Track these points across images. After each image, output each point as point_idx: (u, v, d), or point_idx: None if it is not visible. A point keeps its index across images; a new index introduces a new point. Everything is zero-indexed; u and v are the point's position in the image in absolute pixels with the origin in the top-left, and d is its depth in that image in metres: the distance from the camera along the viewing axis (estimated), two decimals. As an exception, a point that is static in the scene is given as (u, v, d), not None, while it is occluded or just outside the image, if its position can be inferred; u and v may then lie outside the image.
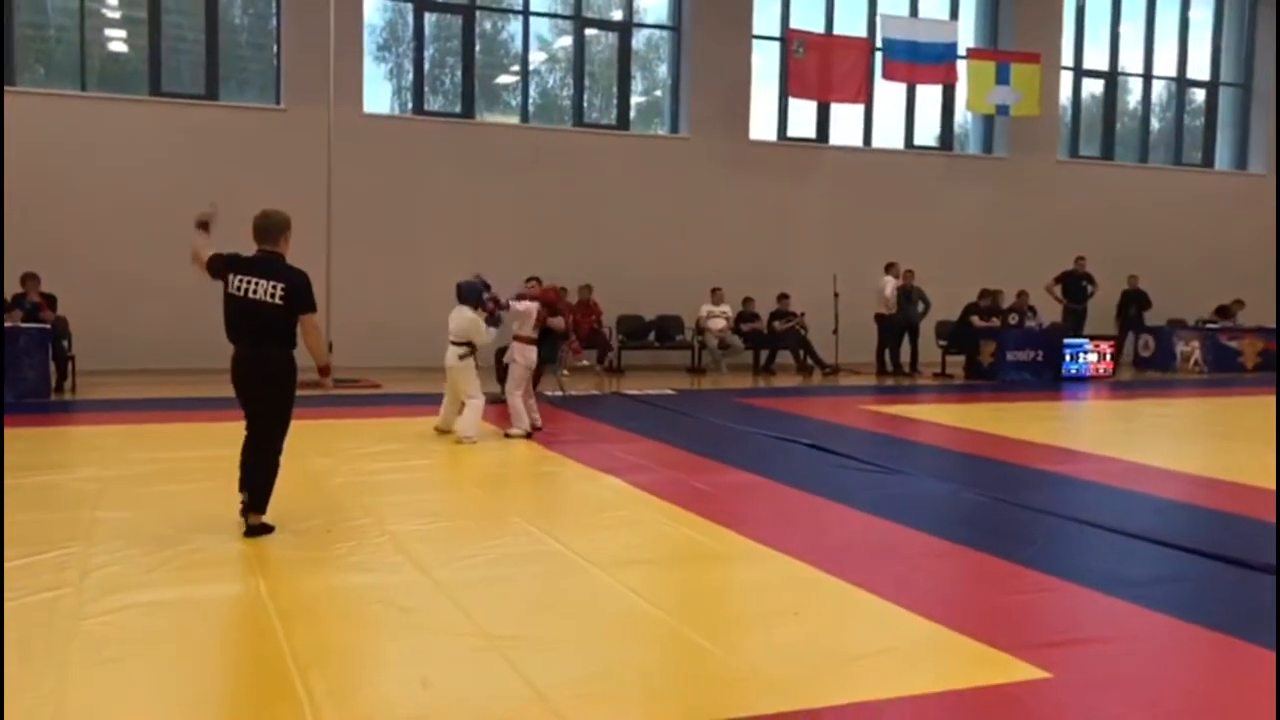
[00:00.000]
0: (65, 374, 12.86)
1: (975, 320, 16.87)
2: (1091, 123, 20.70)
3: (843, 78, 17.56)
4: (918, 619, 4.92)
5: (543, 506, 7.49)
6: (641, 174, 17.13)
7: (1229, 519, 7.24)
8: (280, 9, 15.48)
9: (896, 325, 16.80)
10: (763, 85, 18.18)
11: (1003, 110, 18.67)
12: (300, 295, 6.12)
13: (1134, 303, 18.94)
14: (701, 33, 17.41)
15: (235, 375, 6.24)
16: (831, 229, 18.02)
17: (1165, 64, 20.98)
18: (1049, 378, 16.45)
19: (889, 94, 18.74)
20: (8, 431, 9.85)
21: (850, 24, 18.51)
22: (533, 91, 17.43)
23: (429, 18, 16.57)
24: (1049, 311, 18.09)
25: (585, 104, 17.55)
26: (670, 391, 13.95)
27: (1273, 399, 12.99)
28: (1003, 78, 18.37)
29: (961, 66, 18.35)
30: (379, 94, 16.47)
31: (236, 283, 6.11)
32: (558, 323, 12.35)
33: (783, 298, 16.88)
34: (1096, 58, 20.48)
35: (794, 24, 17.96)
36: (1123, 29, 20.58)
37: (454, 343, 9.63)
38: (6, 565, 5.41)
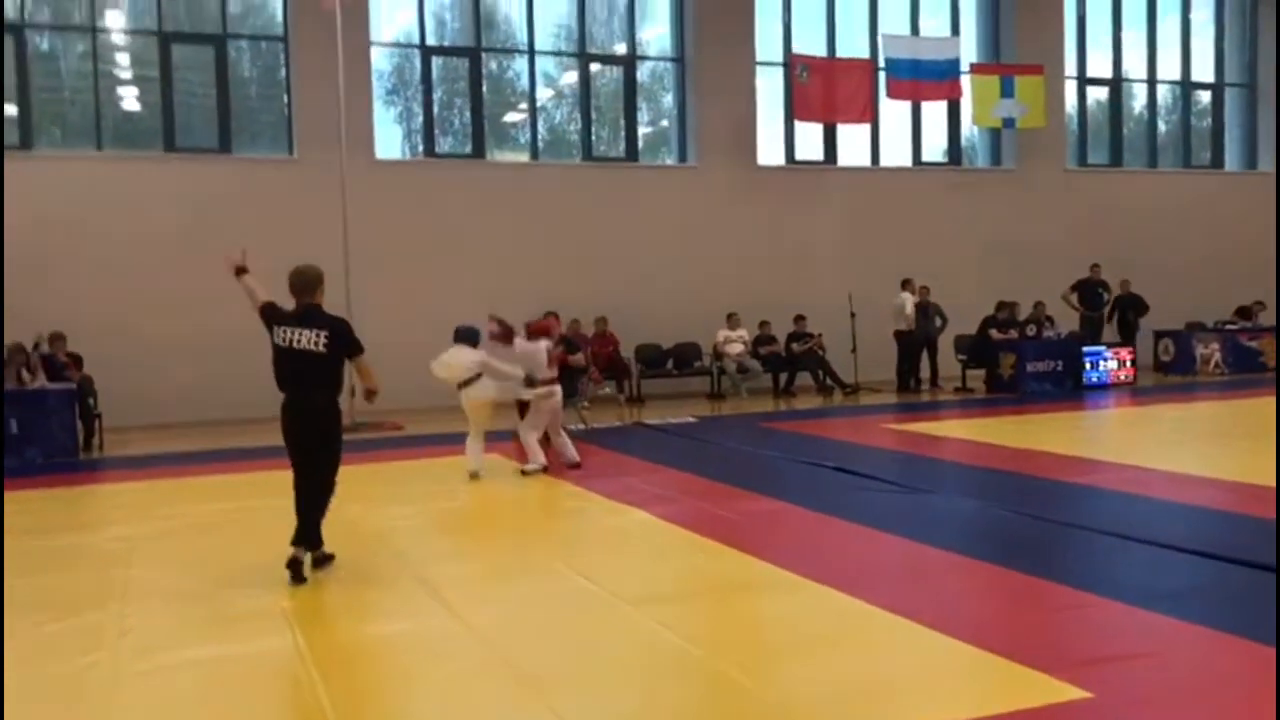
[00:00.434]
0: (93, 432, 12.98)
1: (993, 333, 16.84)
2: (1098, 130, 20.70)
3: (847, 99, 17.64)
4: (953, 642, 4.90)
5: (571, 544, 7.50)
6: (652, 204, 17.22)
7: (1260, 524, 7.15)
8: (289, 60, 15.68)
9: (915, 341, 16.79)
10: (768, 110, 18.27)
11: (1009, 123, 18.70)
12: (344, 340, 6.52)
13: (1129, 308, 18.67)
14: (705, 62, 17.53)
15: (285, 420, 6.51)
16: (844, 249, 18.04)
17: (1169, 68, 20.98)
18: (1070, 387, 16.39)
19: (895, 112, 18.81)
20: (39, 492, 9.97)
21: (852, 46, 18.60)
22: (541, 128, 17.57)
23: (435, 61, 16.74)
24: (1067, 321, 18.04)
25: (593, 138, 17.68)
26: (692, 419, 13.96)
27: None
28: (1007, 91, 18.41)
29: (965, 82, 18.41)
30: (389, 138, 16.63)
31: (282, 334, 6.48)
32: (578, 360, 12.43)
33: (799, 319, 16.89)
34: (1100, 65, 20.51)
35: (796, 49, 18.07)
36: (1124, 35, 20.61)
37: (466, 382, 9.59)
38: (43, 629, 5.48)
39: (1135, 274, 18.79)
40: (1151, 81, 20.91)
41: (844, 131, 18.57)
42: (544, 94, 17.63)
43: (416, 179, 16.20)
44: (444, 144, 16.91)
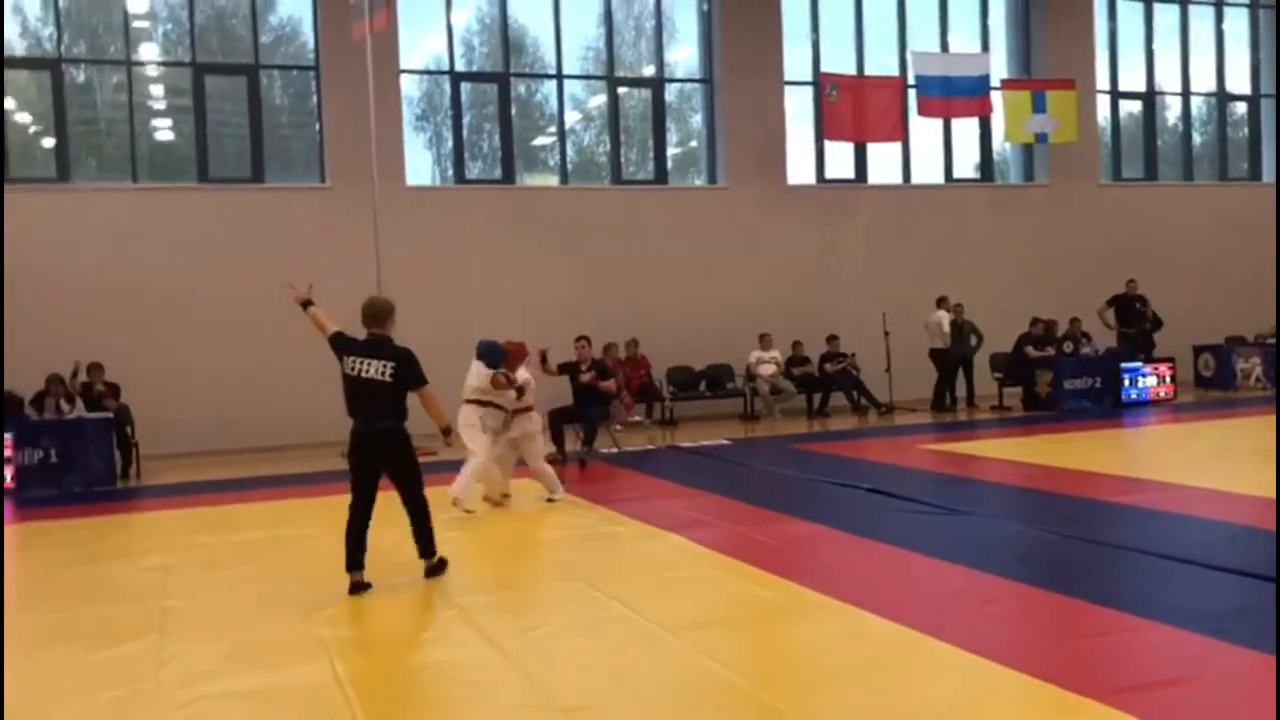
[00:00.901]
0: (130, 460, 13.08)
1: (1030, 350, 16.69)
2: (1132, 144, 20.53)
3: (878, 117, 17.59)
4: (999, 667, 4.82)
5: (606, 569, 7.45)
6: (682, 225, 17.21)
7: (1309, 543, 7.03)
8: (321, 89, 15.82)
9: (951, 360, 16.66)
10: (798, 129, 18.25)
11: (1041, 138, 18.58)
12: (409, 371, 6.76)
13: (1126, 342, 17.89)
14: (734, 83, 17.54)
15: (353, 446, 6.83)
16: (877, 267, 17.96)
17: (1203, 79, 20.80)
18: (1109, 405, 16.19)
19: (926, 129, 18.73)
20: (77, 521, 10.06)
21: (881, 64, 18.56)
22: (570, 151, 17.63)
23: (465, 86, 16.84)
24: (1103, 337, 17.84)
25: (622, 160, 17.71)
26: (725, 441, 13.90)
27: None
28: (1039, 106, 18.30)
29: (997, 97, 18.32)
30: (419, 164, 16.72)
31: (350, 364, 6.78)
32: (609, 386, 12.42)
33: (832, 339, 16.81)
34: (1132, 78, 20.35)
35: (825, 68, 18.04)
36: (1157, 47, 20.46)
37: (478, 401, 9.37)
38: (83, 660, 5.51)
39: (1172, 288, 18.56)
40: (1186, 94, 20.72)
41: (874, 149, 18.50)
42: (572, 117, 17.70)
43: (447, 204, 16.28)
44: (473, 169, 16.98)
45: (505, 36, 16.91)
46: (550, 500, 9.72)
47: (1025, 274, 18.48)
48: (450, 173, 16.88)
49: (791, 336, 16.79)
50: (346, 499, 6.81)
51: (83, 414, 12.54)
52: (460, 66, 16.77)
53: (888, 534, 7.83)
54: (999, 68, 19.05)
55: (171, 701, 4.87)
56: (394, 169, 15.43)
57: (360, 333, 6.93)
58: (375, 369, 6.69)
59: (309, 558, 7.92)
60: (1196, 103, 20.91)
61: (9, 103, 14.86)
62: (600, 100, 17.69)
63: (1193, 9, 20.55)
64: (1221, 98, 20.94)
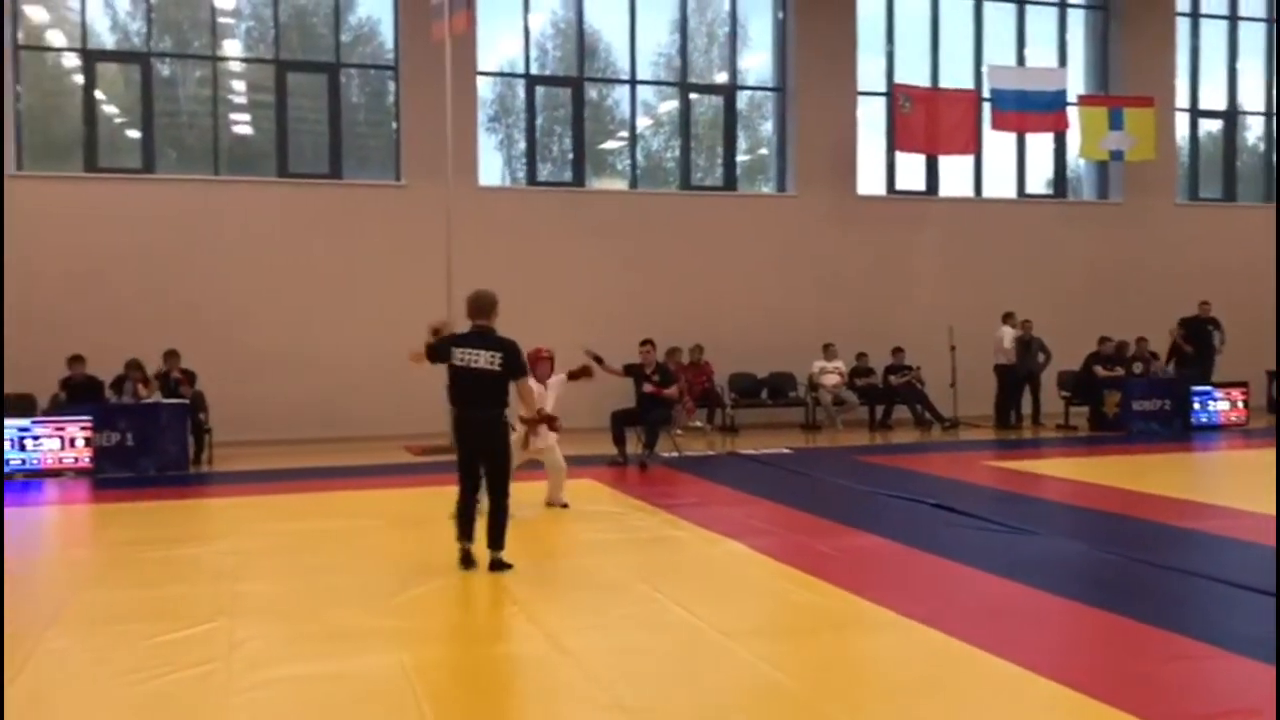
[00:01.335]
0: (202, 446, 13.38)
1: (1098, 369, 16.45)
2: (1210, 163, 20.15)
3: (951, 130, 17.45)
4: (1062, 689, 4.78)
5: (667, 572, 7.47)
6: (749, 233, 17.22)
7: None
8: (399, 88, 16.07)
9: (1017, 376, 16.48)
10: (869, 139, 18.17)
11: (1117, 155, 18.30)
12: (513, 363, 7.12)
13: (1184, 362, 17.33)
14: (806, 91, 17.51)
15: (458, 433, 7.27)
16: (945, 281, 17.83)
17: (1287, 99, 20.37)
18: (1179, 428, 15.91)
19: (998, 143, 18.55)
20: (151, 504, 10.33)
21: (956, 77, 18.42)
22: (638, 155, 17.71)
23: (538, 89, 17.00)
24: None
25: (691, 166, 17.75)
26: (786, 450, 13.88)
27: None
28: (1116, 123, 18.02)
29: (1073, 113, 18.08)
30: (489, 164, 16.91)
31: (460, 355, 7.09)
32: (672, 393, 12.49)
33: (897, 351, 16.71)
34: (1213, 97, 19.99)
35: (899, 79, 17.95)
36: (1240, 65, 20.06)
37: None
38: (158, 639, 5.66)
39: (1247, 312, 18.18)
40: (1270, 113, 20.30)
41: (946, 161, 18.38)
42: (642, 122, 17.79)
43: (518, 206, 16.45)
44: (542, 171, 17.14)
45: (581, 41, 17.05)
46: (564, 506, 9.53)
47: (1095, 292, 18.23)
48: (520, 174, 17.05)
49: (856, 347, 16.72)
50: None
51: (159, 399, 12.85)
52: (534, 69, 16.93)
53: (950, 550, 7.78)
54: (1076, 83, 18.81)
55: (242, 684, 4.99)
56: (467, 169, 15.62)
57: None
58: (485, 359, 7.01)
59: (376, 549, 8.09)
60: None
61: (98, 94, 15.29)
62: (670, 106, 17.76)
63: (1280, 27, 20.16)
64: (1306, 118, 20.50)
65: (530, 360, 8.18)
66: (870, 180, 18.17)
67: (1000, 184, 18.86)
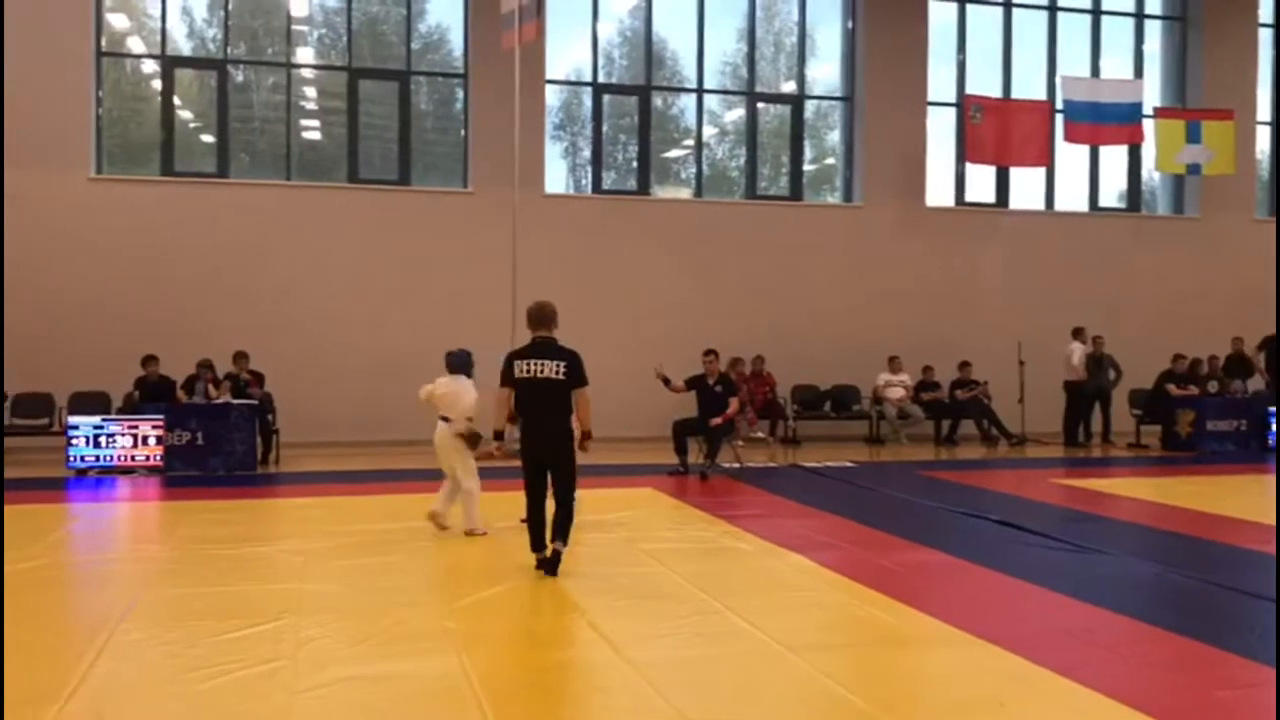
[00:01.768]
0: (270, 447, 13.59)
1: (1171, 388, 16.11)
2: (1292, 178, 19.66)
3: (1022, 142, 17.22)
4: (1132, 713, 4.67)
5: (728, 584, 7.43)
6: (815, 242, 17.12)
7: None
8: (468, 96, 16.22)
9: (1087, 393, 16.18)
10: (939, 150, 17.99)
11: (1194, 169, 17.93)
12: (577, 371, 7.26)
13: (1234, 373, 16.85)
14: (875, 101, 17.39)
15: (525, 441, 7.31)
16: (1014, 294, 17.58)
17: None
18: (1255, 449, 15.53)
19: (1071, 155, 18.27)
20: (220, 503, 10.50)
21: (1028, 87, 18.19)
22: (703, 164, 17.70)
23: (605, 98, 17.07)
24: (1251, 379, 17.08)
25: (756, 175, 17.70)
26: (850, 464, 13.76)
27: None
28: (1193, 136, 17.66)
29: (1149, 126, 17.75)
30: (555, 171, 17.01)
31: (524, 366, 7.23)
32: (732, 409, 12.46)
33: (964, 365, 16.50)
34: (1296, 110, 19.52)
35: (970, 89, 17.75)
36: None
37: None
38: (227, 635, 5.76)
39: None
40: (1353, 127, 19.76)
41: (1017, 173, 18.15)
42: (707, 131, 17.77)
43: (583, 214, 16.52)
44: (607, 179, 17.20)
45: (649, 49, 17.09)
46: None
47: (1170, 309, 17.88)
48: (585, 182, 17.13)
49: (922, 360, 16.54)
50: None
51: (229, 400, 13.07)
52: (600, 78, 17.00)
53: (1016, 567, 7.65)
54: (1152, 95, 18.48)
55: (308, 682, 5.05)
56: (534, 176, 15.72)
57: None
58: (550, 369, 7.16)
59: (440, 552, 8.15)
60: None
61: (175, 100, 15.63)
62: (736, 115, 17.73)
63: (1366, 39, 19.63)
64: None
65: None
66: (939, 191, 17.99)
67: (1072, 197, 18.56)
